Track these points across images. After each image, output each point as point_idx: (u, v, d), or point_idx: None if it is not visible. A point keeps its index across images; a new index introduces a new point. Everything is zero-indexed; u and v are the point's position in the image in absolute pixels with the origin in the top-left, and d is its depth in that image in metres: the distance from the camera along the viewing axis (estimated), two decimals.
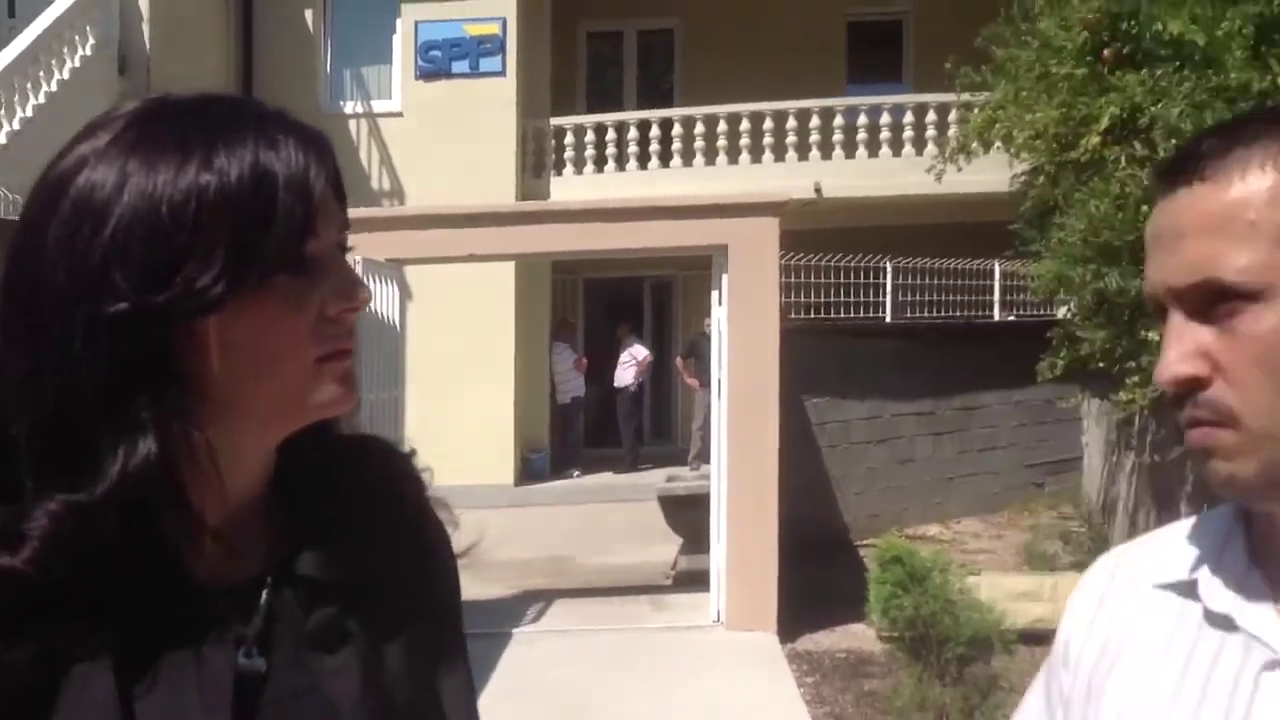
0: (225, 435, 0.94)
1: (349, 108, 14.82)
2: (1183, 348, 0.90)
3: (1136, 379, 6.05)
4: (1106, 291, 6.58)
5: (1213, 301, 0.88)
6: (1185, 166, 0.92)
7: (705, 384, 12.25)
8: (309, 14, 14.92)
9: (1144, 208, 6.06)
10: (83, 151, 0.92)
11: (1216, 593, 0.95)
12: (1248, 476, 0.88)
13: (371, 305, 5.54)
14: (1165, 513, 8.07)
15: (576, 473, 15.12)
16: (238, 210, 0.90)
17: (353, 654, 1.00)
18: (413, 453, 1.15)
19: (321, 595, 1.00)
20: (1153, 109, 6.33)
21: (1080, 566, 8.76)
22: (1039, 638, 7.05)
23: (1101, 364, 6.82)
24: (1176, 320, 0.91)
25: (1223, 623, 0.94)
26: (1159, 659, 0.97)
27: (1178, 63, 6.41)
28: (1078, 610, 1.11)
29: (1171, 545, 1.03)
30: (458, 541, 1.17)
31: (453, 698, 1.09)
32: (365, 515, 1.06)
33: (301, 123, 0.97)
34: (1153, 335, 5.73)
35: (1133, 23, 6.77)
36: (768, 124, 14.70)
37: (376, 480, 1.10)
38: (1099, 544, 9.50)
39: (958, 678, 5.18)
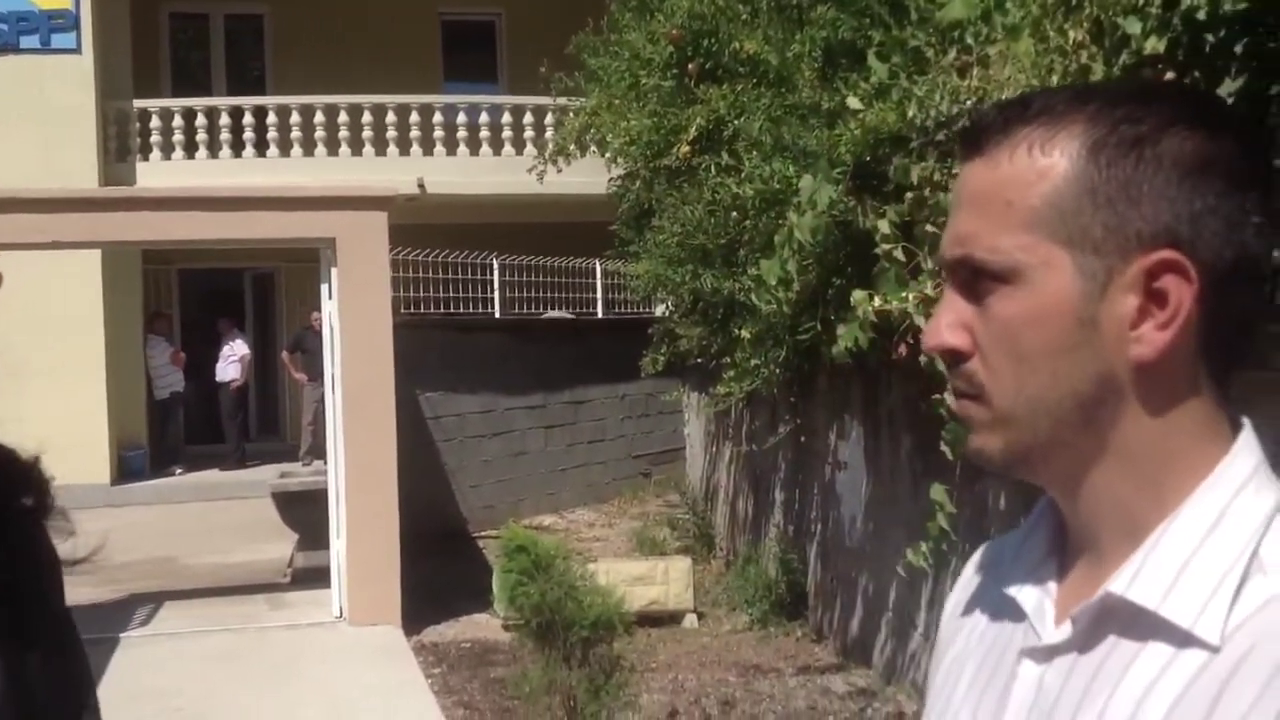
0: None
1: None
2: (948, 318, 0.90)
3: (731, 373, 6.42)
4: (701, 291, 7.00)
5: (975, 277, 0.88)
6: (973, 137, 0.90)
7: (314, 379, 12.06)
8: None
9: (734, 214, 6.51)
10: None
11: (1012, 580, 0.96)
12: (994, 451, 0.90)
13: None
14: (762, 498, 8.71)
15: (179, 470, 14.56)
16: None
17: None
18: (37, 459, 1.12)
19: None
20: (735, 122, 6.78)
21: (687, 551, 9.47)
22: (654, 619, 7.50)
23: (699, 359, 7.23)
24: (949, 290, 0.91)
25: (1015, 609, 0.95)
26: (976, 644, 1.00)
27: (755, 80, 6.89)
28: (948, 602, 1.11)
29: (1016, 534, 1.03)
30: (75, 547, 1.15)
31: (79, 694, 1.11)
32: None
33: None
34: (744, 333, 6.18)
35: (713, 40, 7.20)
36: (367, 117, 14.61)
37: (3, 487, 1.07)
38: (703, 529, 10.18)
39: (583, 660, 5.52)
